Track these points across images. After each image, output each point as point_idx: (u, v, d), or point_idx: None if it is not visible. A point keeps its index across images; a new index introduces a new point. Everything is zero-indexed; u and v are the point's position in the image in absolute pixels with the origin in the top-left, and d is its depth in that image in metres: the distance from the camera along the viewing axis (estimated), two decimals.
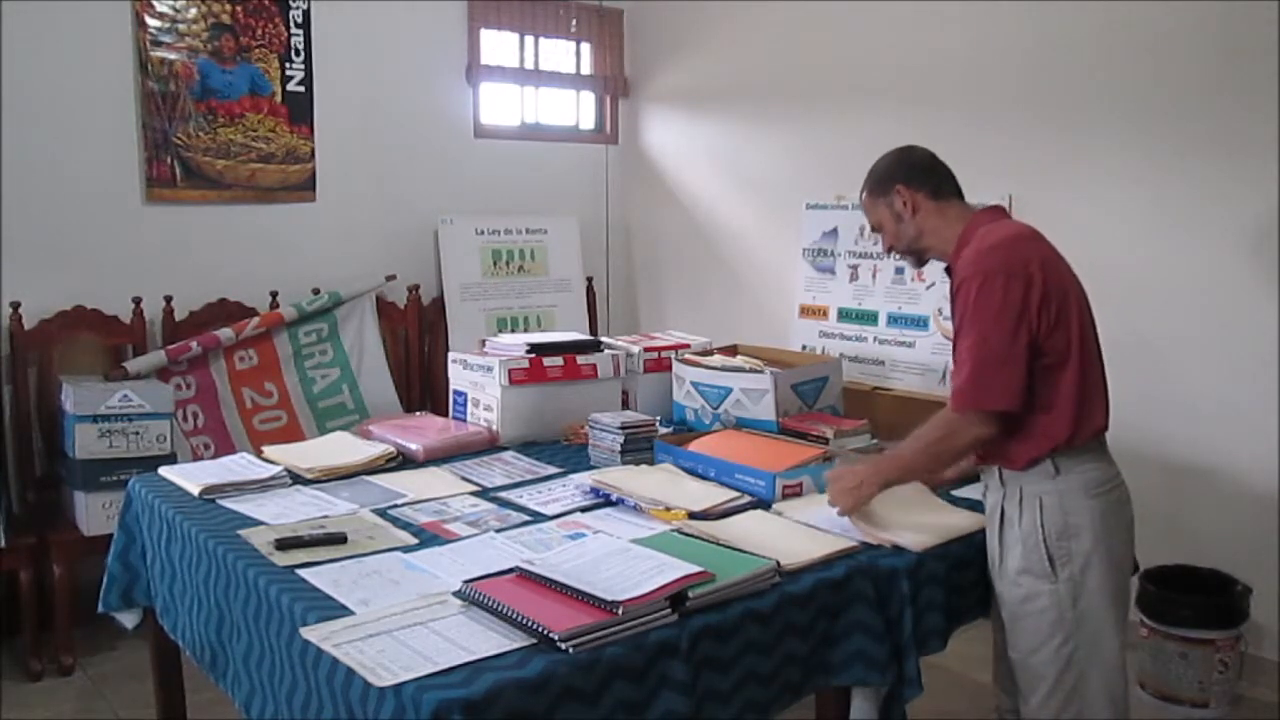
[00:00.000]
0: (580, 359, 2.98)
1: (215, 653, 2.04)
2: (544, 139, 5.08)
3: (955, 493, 2.37)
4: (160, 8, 3.87)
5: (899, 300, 4.09)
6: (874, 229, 2.25)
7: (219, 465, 2.60)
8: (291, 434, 3.90)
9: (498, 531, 2.11)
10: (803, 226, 4.42)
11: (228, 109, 4.06)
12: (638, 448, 2.62)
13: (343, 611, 1.71)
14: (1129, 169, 3.49)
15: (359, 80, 4.41)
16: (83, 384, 3.39)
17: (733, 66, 4.80)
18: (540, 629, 1.56)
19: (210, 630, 2.05)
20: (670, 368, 3.07)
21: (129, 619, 2.54)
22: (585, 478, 2.45)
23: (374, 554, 1.98)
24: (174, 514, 2.25)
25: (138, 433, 3.33)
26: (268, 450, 2.69)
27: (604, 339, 3.24)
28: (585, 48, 5.20)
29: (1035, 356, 1.95)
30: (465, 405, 3.01)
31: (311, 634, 1.63)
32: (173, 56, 3.91)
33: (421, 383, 4.55)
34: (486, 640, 1.57)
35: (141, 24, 3.83)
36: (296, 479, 2.49)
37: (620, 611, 1.59)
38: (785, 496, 2.30)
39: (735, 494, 2.30)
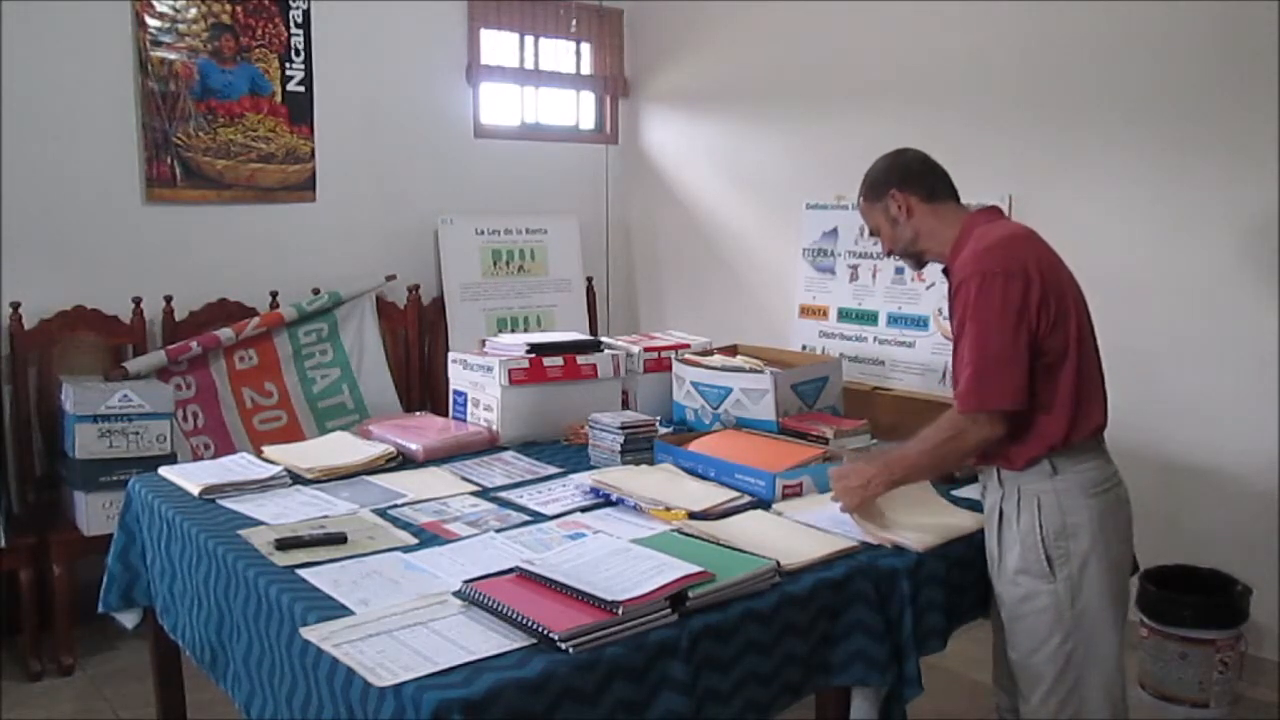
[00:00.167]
0: (580, 359, 2.98)
1: (215, 653, 2.04)
2: (544, 139, 5.08)
3: (955, 493, 2.37)
4: (160, 8, 3.87)
5: (899, 300, 4.09)
6: (872, 233, 2.26)
7: (219, 465, 2.60)
8: (291, 434, 3.90)
9: (498, 531, 2.11)
10: (803, 226, 4.42)
11: (228, 109, 4.06)
12: (638, 448, 2.62)
13: (343, 611, 1.71)
14: (1129, 169, 3.49)
15: (359, 80, 4.41)
16: (83, 384, 3.39)
17: (733, 66, 4.80)
18: (540, 629, 1.56)
19: (210, 630, 2.05)
20: (670, 368, 3.07)
21: (129, 619, 2.54)
22: (585, 478, 2.45)
23: (374, 554, 1.98)
24: (174, 514, 2.25)
25: (138, 433, 3.33)
26: (268, 450, 2.69)
27: (604, 339, 3.24)
28: (585, 48, 5.20)
29: (1035, 356, 1.95)
30: (465, 405, 3.01)
31: (311, 634, 1.63)
32: (173, 56, 3.91)
33: (421, 383, 4.55)
34: (486, 640, 1.57)
35: (141, 24, 3.83)
36: (296, 479, 2.49)
37: (620, 611, 1.59)
38: (785, 496, 2.30)
39: (735, 494, 2.30)
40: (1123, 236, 3.50)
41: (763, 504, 2.27)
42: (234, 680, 1.96)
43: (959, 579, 2.10)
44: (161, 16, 3.87)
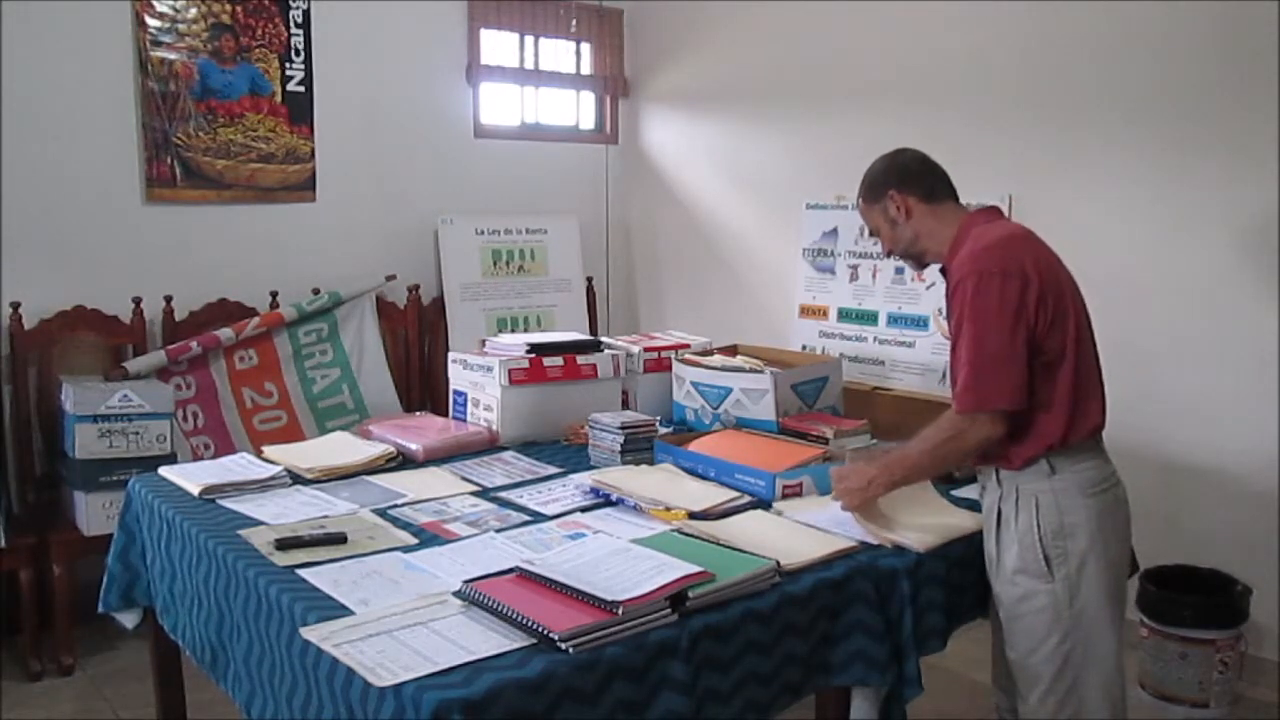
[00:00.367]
0: (580, 359, 2.98)
1: (216, 652, 2.04)
2: (544, 139, 5.08)
3: (954, 493, 2.37)
4: (160, 8, 3.87)
5: (899, 300, 4.09)
6: (871, 233, 2.26)
7: (219, 465, 2.60)
8: (291, 434, 3.90)
9: (498, 531, 2.11)
10: (803, 226, 4.42)
11: (228, 109, 4.06)
12: (638, 448, 2.62)
13: (343, 611, 1.71)
14: (1129, 169, 3.49)
15: (359, 80, 4.41)
16: (83, 384, 3.39)
17: (733, 66, 4.80)
18: (540, 629, 1.56)
19: (210, 630, 2.05)
20: (670, 368, 3.07)
21: (129, 619, 2.54)
22: (585, 478, 2.45)
23: (374, 554, 1.98)
24: (174, 514, 2.25)
25: (138, 433, 3.33)
26: (268, 450, 2.69)
27: (604, 339, 3.24)
28: (585, 48, 5.20)
29: (1033, 355, 1.95)
30: (465, 405, 3.01)
31: (311, 634, 1.63)
32: (173, 56, 3.91)
33: (421, 383, 4.55)
34: (486, 640, 1.57)
35: (141, 24, 3.83)
36: (296, 479, 2.49)
37: (620, 611, 1.59)
38: (785, 496, 2.31)
39: (735, 494, 2.30)
40: (1123, 236, 3.50)
41: (763, 504, 2.27)
42: (234, 680, 1.96)
43: (959, 579, 2.10)
44: (161, 16, 3.87)
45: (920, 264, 2.24)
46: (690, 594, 1.68)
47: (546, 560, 1.80)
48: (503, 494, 2.39)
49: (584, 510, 2.26)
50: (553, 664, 1.51)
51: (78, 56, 3.72)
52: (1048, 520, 1.99)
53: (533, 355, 2.91)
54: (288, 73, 4.20)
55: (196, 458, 3.58)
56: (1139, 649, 3.16)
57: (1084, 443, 2.01)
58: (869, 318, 4.19)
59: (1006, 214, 2.29)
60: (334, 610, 1.71)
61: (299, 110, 4.24)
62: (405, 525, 2.16)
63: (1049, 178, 3.67)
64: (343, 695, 1.53)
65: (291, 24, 4.20)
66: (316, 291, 4.24)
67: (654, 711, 1.60)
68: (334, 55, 4.31)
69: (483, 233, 4.73)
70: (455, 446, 2.75)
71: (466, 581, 1.73)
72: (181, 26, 3.93)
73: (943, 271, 2.14)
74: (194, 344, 3.82)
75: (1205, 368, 3.36)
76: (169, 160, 3.94)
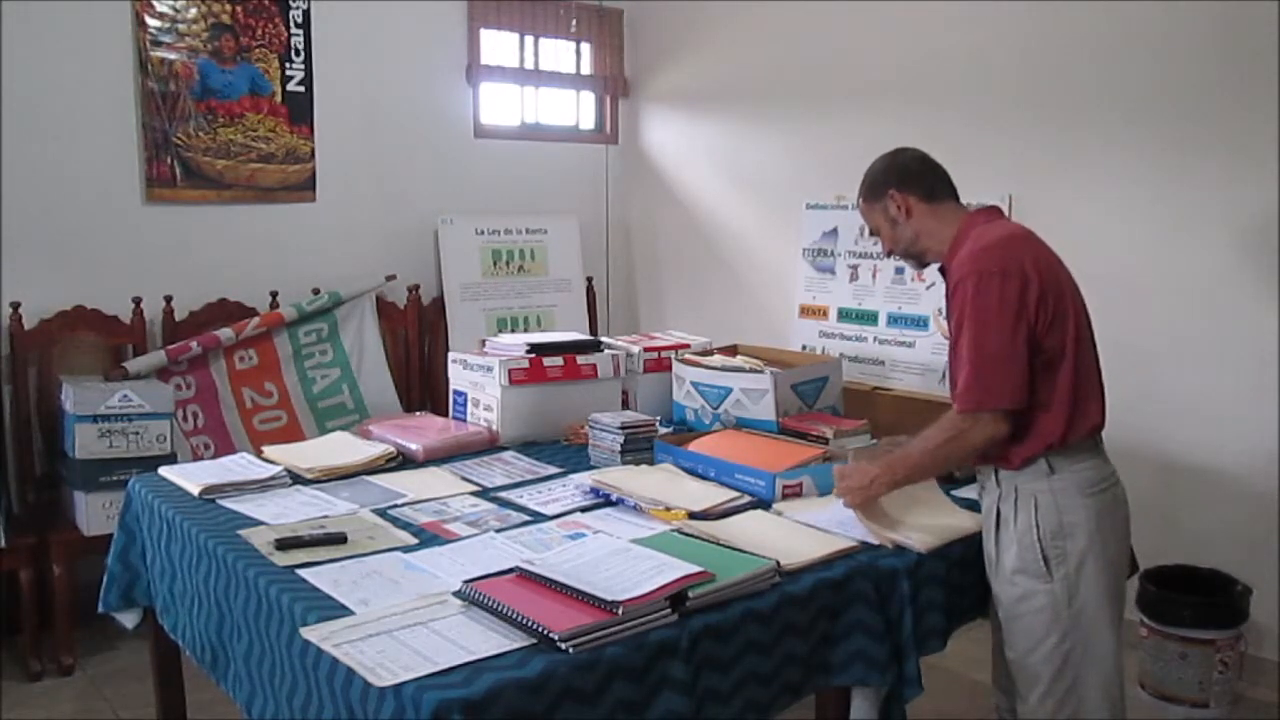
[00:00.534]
0: (580, 359, 2.98)
1: (216, 652, 2.04)
2: (544, 139, 5.08)
3: (954, 493, 2.37)
4: (160, 8, 3.87)
5: (899, 300, 4.09)
6: (872, 233, 2.26)
7: (219, 465, 2.60)
8: (291, 434, 3.90)
9: (498, 531, 2.11)
10: (803, 226, 4.42)
11: (228, 109, 4.06)
12: (638, 448, 2.62)
13: (343, 611, 1.71)
14: (1129, 169, 3.49)
15: (359, 80, 4.41)
16: (83, 384, 3.39)
17: (733, 66, 4.80)
18: (540, 629, 1.56)
19: (211, 630, 2.05)
20: (670, 368, 3.07)
21: (129, 619, 2.54)
22: (585, 478, 2.45)
23: (374, 554, 1.98)
24: (174, 514, 2.25)
25: (138, 433, 3.33)
26: (268, 450, 2.69)
27: (604, 339, 3.24)
28: (585, 48, 5.20)
29: (1033, 354, 1.95)
30: (465, 405, 3.01)
31: (311, 634, 1.63)
32: (173, 56, 3.91)
33: (421, 383, 4.55)
34: (486, 640, 1.57)
35: (141, 24, 3.83)
36: (296, 479, 2.49)
37: (620, 611, 1.59)
38: (785, 496, 2.30)
39: (735, 494, 2.30)
40: (1123, 236, 3.50)
41: (763, 504, 2.27)
42: (235, 680, 1.96)
43: (959, 579, 2.10)
44: (161, 16, 3.87)
45: (920, 263, 2.23)
46: (690, 594, 1.68)
47: (546, 560, 1.80)
48: (503, 494, 2.39)
49: (584, 510, 2.26)
50: (553, 664, 1.51)
51: (78, 56, 3.72)
52: (1047, 520, 1.99)
53: (533, 355, 2.91)
54: (288, 73, 4.20)
55: (196, 458, 3.58)
56: (1139, 649, 3.16)
57: (1083, 442, 2.01)
58: (869, 318, 4.19)
59: (1006, 214, 2.29)
60: (334, 610, 1.71)
61: (299, 110, 4.24)
62: (405, 525, 2.16)
63: (1049, 178, 3.67)
64: (343, 695, 1.53)
65: (291, 24, 4.20)
66: (316, 291, 4.24)
67: (654, 711, 1.60)
68: (334, 55, 4.31)
69: (483, 233, 4.73)
70: (455, 446, 2.75)
71: (466, 581, 1.73)
72: (181, 26, 3.93)
73: (942, 271, 2.14)
74: (194, 344, 3.82)
75: (1205, 368, 3.36)
76: (169, 160, 3.94)
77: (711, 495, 2.28)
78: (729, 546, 1.93)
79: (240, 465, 2.57)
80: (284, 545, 1.99)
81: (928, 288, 3.95)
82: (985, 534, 2.09)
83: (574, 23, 5.08)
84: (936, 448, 2.02)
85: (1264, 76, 3.15)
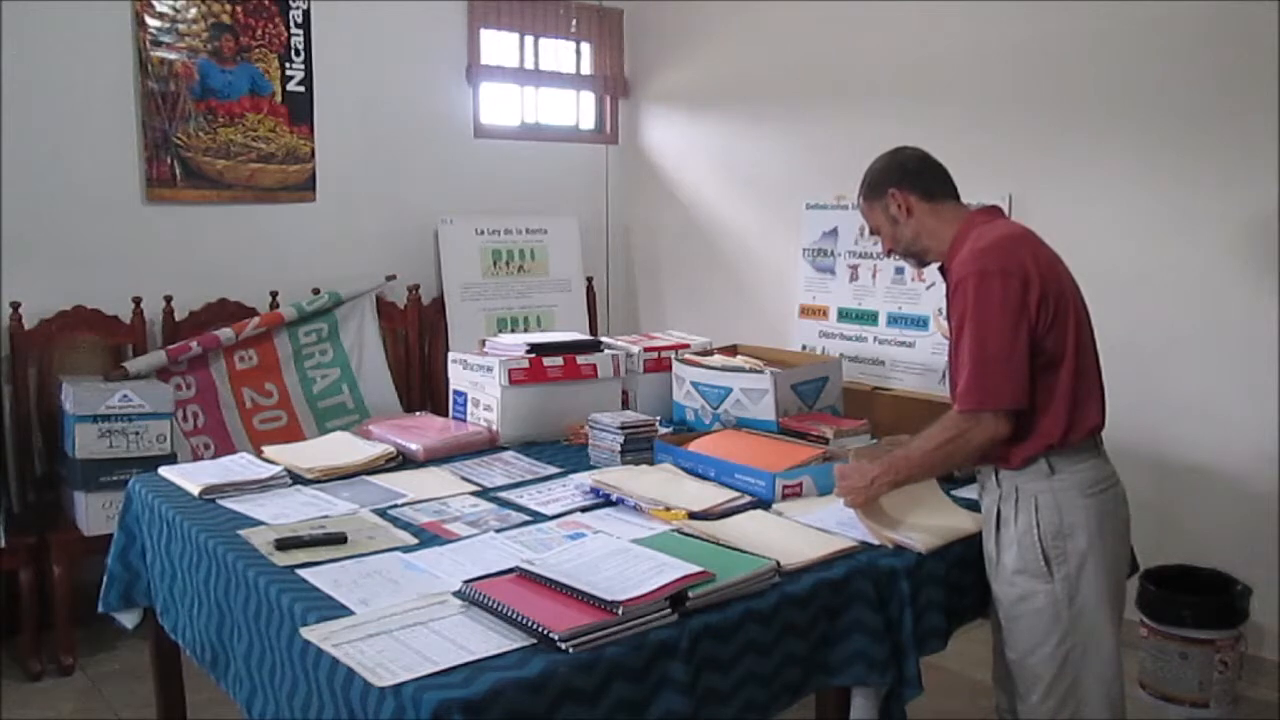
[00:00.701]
0: (580, 359, 2.98)
1: (216, 652, 2.04)
2: (544, 139, 5.08)
3: (954, 493, 2.37)
4: (160, 8, 3.87)
5: (899, 300, 4.09)
6: (872, 232, 2.26)
7: (219, 465, 2.60)
8: (291, 434, 3.90)
9: (498, 531, 2.11)
10: (803, 226, 4.42)
11: (228, 109, 4.06)
12: (638, 448, 2.62)
13: (343, 611, 1.71)
14: (1128, 169, 3.49)
15: (359, 80, 4.41)
16: (83, 384, 3.39)
17: (732, 66, 4.80)
18: (540, 629, 1.56)
19: (211, 630, 2.05)
20: (670, 368, 3.07)
21: (129, 619, 2.54)
22: (585, 478, 2.45)
23: (374, 554, 1.98)
24: (174, 514, 2.25)
25: (138, 433, 3.33)
26: (268, 450, 2.69)
27: (604, 339, 3.24)
28: (585, 48, 5.20)
29: (1033, 354, 1.95)
30: (465, 405, 3.01)
31: (311, 634, 1.63)
32: (173, 56, 3.91)
33: (421, 383, 4.55)
34: (486, 640, 1.57)
35: (141, 24, 3.83)
36: (296, 479, 2.49)
37: (620, 611, 1.59)
38: (785, 496, 2.30)
39: (735, 494, 2.30)
40: (1122, 236, 3.50)
41: (763, 504, 2.27)
42: (235, 680, 1.96)
43: (959, 579, 2.10)
44: (161, 16, 3.87)
45: (921, 263, 2.23)
46: (690, 594, 1.68)
47: (546, 560, 1.80)
48: (503, 494, 2.39)
49: (584, 510, 2.26)
50: (553, 664, 1.51)
51: (78, 56, 3.72)
52: (1047, 520, 1.99)
53: (533, 355, 2.91)
54: (288, 73, 4.20)
55: (196, 458, 3.58)
56: (1139, 649, 3.16)
57: (1083, 443, 2.01)
58: (869, 318, 4.19)
59: (1007, 214, 2.29)
60: (334, 610, 1.71)
61: (299, 110, 4.24)
62: (405, 525, 2.16)
63: (1049, 177, 3.67)
64: (343, 695, 1.53)
65: (291, 24, 4.20)
66: (316, 291, 4.24)
67: (654, 711, 1.60)
68: (334, 55, 4.31)
69: (483, 233, 4.73)
70: (455, 446, 2.75)
71: (466, 581, 1.73)
72: (181, 26, 3.93)
73: (942, 271, 2.14)
74: (194, 344, 3.82)
75: (1205, 368, 3.36)
76: (169, 160, 3.94)
77: (711, 495, 2.28)
78: (729, 546, 1.93)
79: (240, 465, 2.57)
80: (284, 545, 1.99)
81: (928, 288, 3.95)
82: (985, 534, 2.09)
83: (574, 23, 5.08)
84: (937, 448, 2.01)
85: (1264, 76, 3.15)
